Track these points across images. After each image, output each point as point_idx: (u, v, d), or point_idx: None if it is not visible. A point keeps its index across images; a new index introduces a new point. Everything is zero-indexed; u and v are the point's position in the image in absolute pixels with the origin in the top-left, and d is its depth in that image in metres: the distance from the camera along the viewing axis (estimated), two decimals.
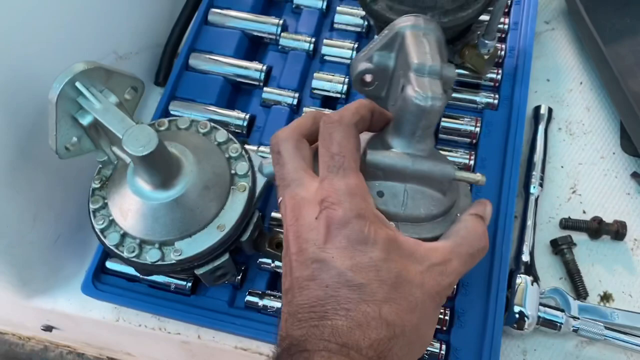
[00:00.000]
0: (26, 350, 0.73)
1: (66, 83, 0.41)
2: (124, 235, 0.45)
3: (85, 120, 0.43)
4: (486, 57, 0.56)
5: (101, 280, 0.54)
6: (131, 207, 0.44)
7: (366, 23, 0.63)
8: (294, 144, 0.38)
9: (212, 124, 0.50)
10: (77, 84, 0.42)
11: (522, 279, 0.52)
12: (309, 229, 0.35)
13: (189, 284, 0.52)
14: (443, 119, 0.57)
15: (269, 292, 0.52)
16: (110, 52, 0.59)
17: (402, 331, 0.33)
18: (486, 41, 0.55)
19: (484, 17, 0.54)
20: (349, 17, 0.64)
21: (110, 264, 0.54)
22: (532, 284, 0.52)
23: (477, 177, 0.41)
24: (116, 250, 0.45)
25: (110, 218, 0.46)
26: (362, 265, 0.33)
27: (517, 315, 0.51)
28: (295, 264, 0.35)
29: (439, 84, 0.39)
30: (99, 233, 0.46)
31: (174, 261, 0.44)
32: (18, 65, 0.47)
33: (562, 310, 0.52)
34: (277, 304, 0.51)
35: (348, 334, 0.31)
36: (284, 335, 0.33)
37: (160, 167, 0.42)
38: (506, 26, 0.62)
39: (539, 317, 0.51)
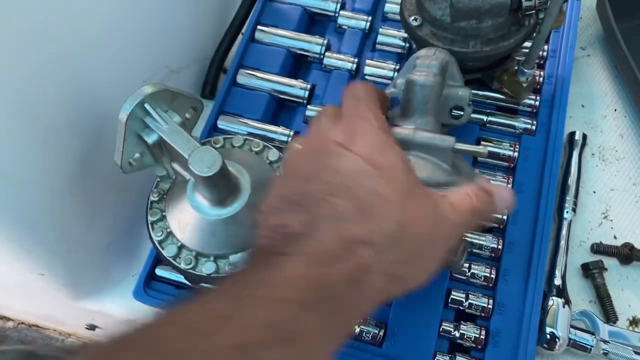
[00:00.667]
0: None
1: (136, 105, 0.44)
2: (181, 247, 0.48)
3: (151, 139, 0.45)
4: (525, 84, 0.58)
5: (151, 287, 0.56)
6: (189, 221, 0.47)
7: (407, 45, 0.65)
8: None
9: (265, 143, 0.52)
10: (146, 105, 0.44)
11: (553, 301, 0.54)
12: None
13: None
14: (483, 142, 0.59)
15: None
16: (163, 66, 0.62)
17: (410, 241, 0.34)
18: (525, 70, 0.57)
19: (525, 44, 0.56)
20: (391, 38, 0.66)
21: (160, 271, 0.57)
22: (563, 306, 0.54)
23: (479, 148, 0.45)
24: (173, 262, 0.47)
25: (168, 230, 0.48)
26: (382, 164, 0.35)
27: (548, 336, 0.52)
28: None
29: (436, 71, 0.48)
30: (157, 244, 0.48)
31: (228, 274, 0.47)
32: (83, 79, 0.50)
33: (592, 333, 0.54)
34: None
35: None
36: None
37: (221, 186, 0.45)
38: (545, 53, 0.64)
39: (569, 339, 0.53)
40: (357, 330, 0.52)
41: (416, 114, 0.47)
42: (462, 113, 0.52)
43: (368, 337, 0.52)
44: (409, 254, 0.34)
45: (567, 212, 0.59)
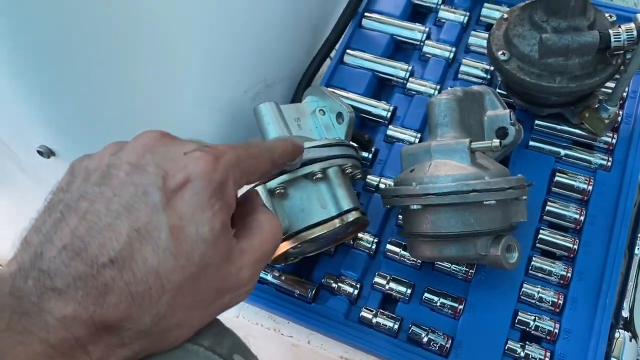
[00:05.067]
0: None
1: None
2: None
3: None
4: (606, 121, 0.60)
5: None
6: None
7: (489, 76, 0.69)
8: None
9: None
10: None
11: (620, 334, 0.55)
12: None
13: (312, 292, 0.59)
14: (558, 174, 0.61)
15: (382, 310, 0.58)
16: (261, 80, 0.68)
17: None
18: (608, 107, 0.59)
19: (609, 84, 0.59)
20: (474, 69, 0.69)
21: None
22: (630, 340, 0.55)
23: (494, 142, 0.49)
24: None
25: None
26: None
27: None
28: None
29: (449, 91, 0.56)
30: None
31: None
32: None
33: None
34: (389, 323, 0.56)
35: None
36: None
37: None
38: (625, 93, 0.66)
39: None
40: (426, 339, 0.55)
41: (438, 128, 0.55)
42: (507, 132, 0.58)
43: (435, 347, 0.55)
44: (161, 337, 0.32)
45: (639, 248, 0.60)
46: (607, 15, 0.58)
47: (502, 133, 0.58)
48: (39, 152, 0.51)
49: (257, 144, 0.38)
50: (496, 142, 0.49)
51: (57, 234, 0.30)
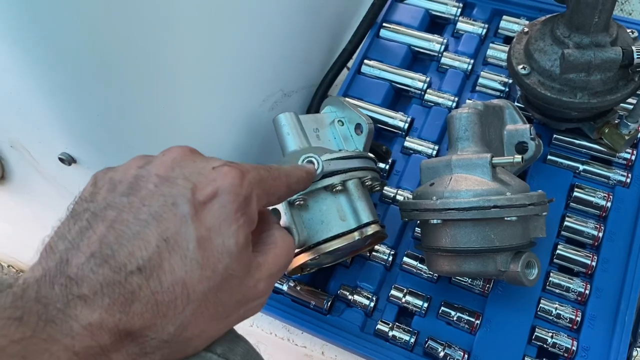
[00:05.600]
0: None
1: None
2: None
3: None
4: (626, 137, 0.60)
5: None
6: None
7: (507, 89, 0.69)
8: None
9: None
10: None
11: (638, 352, 0.55)
12: None
13: (328, 304, 0.59)
14: (576, 189, 0.61)
15: (398, 324, 0.57)
16: (279, 89, 0.68)
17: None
18: (629, 123, 0.59)
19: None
20: (492, 81, 0.69)
21: None
22: None
23: (515, 158, 0.49)
24: None
25: None
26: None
27: None
28: None
29: (470, 105, 0.56)
30: None
31: None
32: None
33: None
34: (405, 337, 0.56)
35: None
36: None
37: None
38: None
39: None
40: (442, 353, 0.55)
41: (459, 142, 0.54)
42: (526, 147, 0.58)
43: None
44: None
45: None
46: (629, 31, 0.58)
47: (521, 147, 0.58)
48: (60, 159, 0.51)
49: (277, 168, 0.39)
50: (518, 158, 0.49)
51: (84, 241, 0.30)
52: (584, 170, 0.62)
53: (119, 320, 0.29)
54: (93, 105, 0.45)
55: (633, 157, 0.62)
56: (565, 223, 0.59)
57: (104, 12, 0.40)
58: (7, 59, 0.40)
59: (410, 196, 0.62)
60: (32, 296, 0.28)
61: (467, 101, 0.67)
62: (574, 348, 0.54)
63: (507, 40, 0.73)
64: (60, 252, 0.30)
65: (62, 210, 0.33)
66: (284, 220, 0.49)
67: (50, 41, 0.39)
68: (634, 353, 0.55)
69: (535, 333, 0.55)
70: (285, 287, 0.60)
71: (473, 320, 0.56)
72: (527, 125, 0.58)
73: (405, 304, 0.58)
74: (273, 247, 0.37)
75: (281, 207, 0.49)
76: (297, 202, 0.50)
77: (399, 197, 0.64)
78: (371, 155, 0.58)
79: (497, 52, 0.71)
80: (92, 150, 0.49)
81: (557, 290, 0.57)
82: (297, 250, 0.50)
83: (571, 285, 0.57)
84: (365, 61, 0.73)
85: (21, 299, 0.28)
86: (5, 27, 0.37)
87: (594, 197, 0.60)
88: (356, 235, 0.51)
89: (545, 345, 0.55)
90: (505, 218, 0.48)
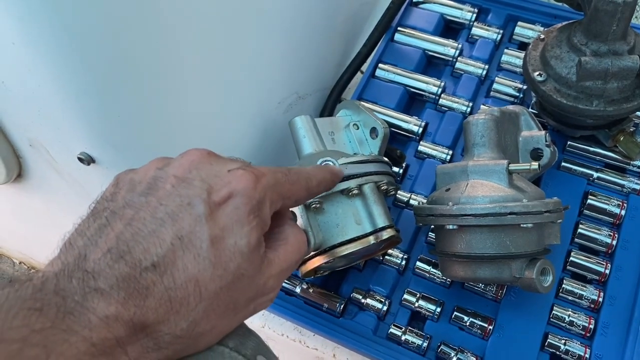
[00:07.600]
0: None
1: None
2: None
3: None
4: None
5: None
6: None
7: (521, 95, 0.69)
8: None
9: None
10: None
11: None
12: None
13: (341, 307, 0.59)
14: (590, 197, 0.61)
15: (411, 328, 0.58)
16: (294, 92, 0.68)
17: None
18: None
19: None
20: (506, 87, 0.69)
21: None
22: None
23: (532, 165, 0.49)
24: None
25: None
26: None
27: None
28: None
29: (487, 111, 0.56)
30: None
31: None
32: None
33: None
34: (418, 341, 0.56)
35: None
36: None
37: None
38: None
39: None
40: (455, 358, 0.55)
41: (475, 147, 0.55)
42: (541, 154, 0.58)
43: None
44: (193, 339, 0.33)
45: None
46: None
47: (536, 154, 0.58)
48: (79, 158, 0.51)
49: (297, 171, 0.40)
50: (535, 165, 0.49)
51: (102, 238, 0.31)
52: (598, 178, 0.62)
53: (133, 314, 0.30)
54: (115, 107, 0.46)
55: None
56: (579, 230, 0.59)
57: (129, 18, 0.41)
58: (33, 61, 0.40)
59: (424, 201, 0.62)
60: (51, 289, 0.29)
61: (483, 107, 0.67)
62: (587, 356, 0.54)
63: (522, 46, 0.73)
64: (79, 248, 0.31)
65: (78, 208, 0.34)
66: (299, 223, 0.49)
67: (78, 46, 0.39)
68: None
69: (548, 340, 0.55)
70: (298, 289, 0.61)
71: (486, 325, 0.56)
72: (543, 132, 0.58)
73: (418, 308, 0.58)
74: (284, 243, 0.38)
75: (297, 210, 0.49)
76: (313, 205, 0.50)
77: (412, 202, 0.64)
78: (386, 159, 0.58)
79: (511, 57, 0.71)
80: (112, 151, 0.50)
81: (570, 298, 0.57)
82: (312, 253, 0.51)
83: (584, 293, 0.57)
84: (380, 65, 0.73)
85: (40, 291, 0.29)
86: (36, 32, 0.38)
87: (608, 204, 0.60)
88: (371, 239, 0.51)
89: (557, 352, 0.55)
90: (521, 225, 0.48)
